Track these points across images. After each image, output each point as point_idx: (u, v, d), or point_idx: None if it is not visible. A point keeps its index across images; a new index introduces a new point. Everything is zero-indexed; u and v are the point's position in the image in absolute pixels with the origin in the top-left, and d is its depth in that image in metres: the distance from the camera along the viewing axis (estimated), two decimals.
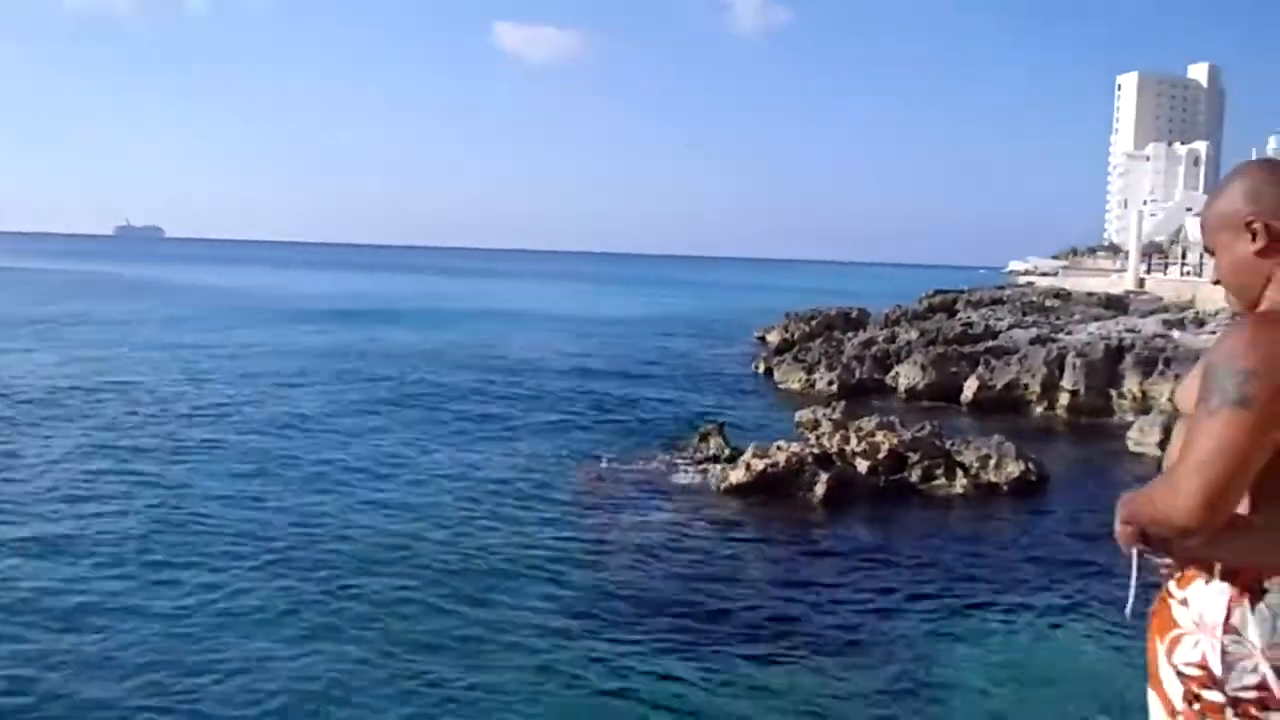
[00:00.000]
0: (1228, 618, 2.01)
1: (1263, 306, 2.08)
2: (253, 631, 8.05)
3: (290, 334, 34.75)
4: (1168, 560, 2.17)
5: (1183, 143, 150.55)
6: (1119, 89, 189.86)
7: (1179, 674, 2.08)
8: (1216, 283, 2.21)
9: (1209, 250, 2.20)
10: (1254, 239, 2.08)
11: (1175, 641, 2.10)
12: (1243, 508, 2.02)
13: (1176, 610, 2.12)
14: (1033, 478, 13.52)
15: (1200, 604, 2.06)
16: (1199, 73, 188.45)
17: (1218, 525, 1.91)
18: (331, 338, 33.94)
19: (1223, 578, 2.04)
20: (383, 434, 16.77)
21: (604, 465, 14.61)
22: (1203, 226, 2.20)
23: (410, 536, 10.84)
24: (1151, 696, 2.18)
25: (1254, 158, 2.22)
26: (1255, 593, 2.01)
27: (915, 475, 13.50)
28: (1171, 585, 2.15)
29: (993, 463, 13.56)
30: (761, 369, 26.41)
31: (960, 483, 13.34)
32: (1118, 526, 2.17)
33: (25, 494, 12.10)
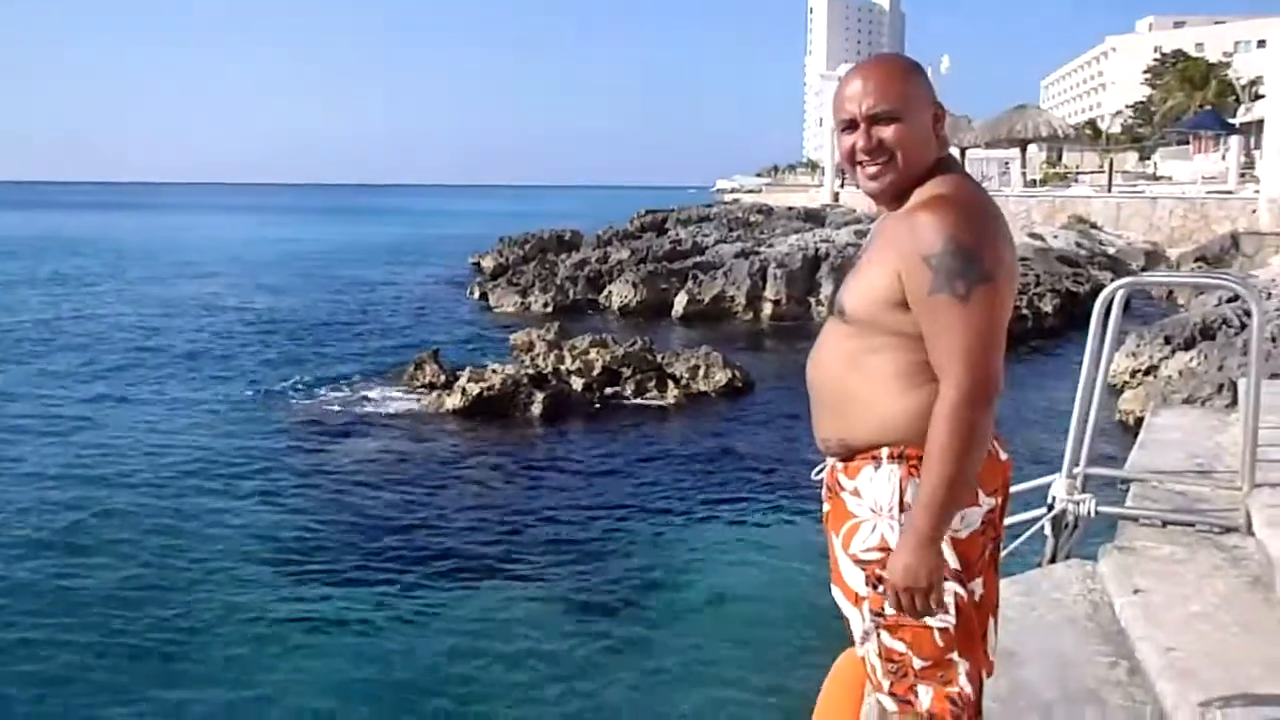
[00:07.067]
0: (901, 497, 2.03)
1: (928, 191, 2.04)
2: None
3: None
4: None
5: None
6: (811, 12, 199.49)
7: (859, 561, 2.09)
8: (877, 149, 2.06)
9: (879, 117, 2.04)
10: (937, 119, 2.08)
11: (852, 531, 2.10)
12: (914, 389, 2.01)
13: (849, 501, 2.11)
14: (739, 384, 14.05)
15: (873, 490, 2.06)
16: None
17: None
18: None
19: (890, 460, 2.05)
20: (52, 383, 15.37)
21: (314, 400, 13.99)
22: (884, 90, 2.04)
23: (96, 485, 9.97)
24: (836, 592, 2.18)
25: (929, 73, 2.14)
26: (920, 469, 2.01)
27: (629, 389, 13.72)
28: (841, 478, 2.13)
29: (701, 372, 13.98)
30: (477, 294, 26.10)
31: (672, 394, 13.68)
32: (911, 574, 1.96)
33: None
